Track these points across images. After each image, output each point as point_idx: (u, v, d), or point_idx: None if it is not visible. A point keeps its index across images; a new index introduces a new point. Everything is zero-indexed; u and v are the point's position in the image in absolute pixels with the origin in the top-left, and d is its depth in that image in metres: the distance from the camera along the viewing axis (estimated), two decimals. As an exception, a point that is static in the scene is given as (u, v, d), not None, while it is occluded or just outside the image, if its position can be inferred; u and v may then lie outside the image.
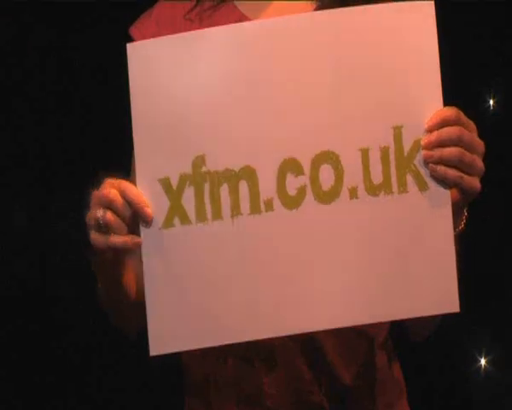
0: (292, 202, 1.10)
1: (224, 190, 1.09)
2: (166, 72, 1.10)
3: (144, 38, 1.29)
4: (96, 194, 1.16)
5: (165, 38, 1.13)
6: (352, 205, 1.10)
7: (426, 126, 1.09)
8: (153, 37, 1.21)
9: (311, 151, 1.09)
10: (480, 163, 1.10)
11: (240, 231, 1.09)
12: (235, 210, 1.09)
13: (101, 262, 1.22)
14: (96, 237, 1.15)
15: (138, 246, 1.14)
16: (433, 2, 1.12)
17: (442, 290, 1.11)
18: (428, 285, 1.11)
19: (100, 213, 1.13)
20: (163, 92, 1.10)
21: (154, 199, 1.10)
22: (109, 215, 1.13)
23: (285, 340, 1.25)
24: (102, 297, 1.31)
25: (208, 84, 1.09)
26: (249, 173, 1.09)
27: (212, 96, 1.09)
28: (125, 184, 1.13)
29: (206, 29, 1.13)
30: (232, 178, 1.09)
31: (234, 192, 1.09)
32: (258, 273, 1.10)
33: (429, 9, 1.11)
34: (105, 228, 1.13)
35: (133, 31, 1.38)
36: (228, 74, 1.09)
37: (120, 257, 1.20)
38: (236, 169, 1.09)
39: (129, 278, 1.25)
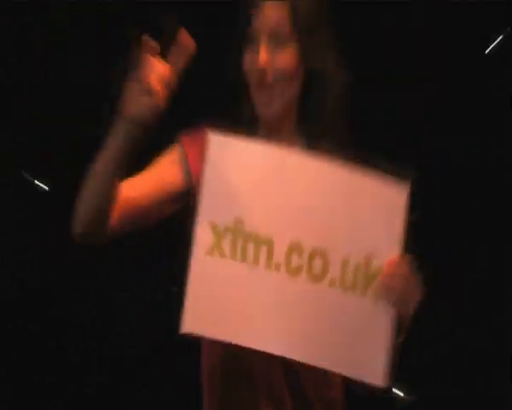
0: (292, 272, 1.59)
1: (250, 246, 1.59)
2: (233, 163, 1.61)
3: (189, 150, 1.73)
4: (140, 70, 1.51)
5: (240, 141, 1.62)
6: (328, 290, 1.59)
7: (386, 265, 1.58)
8: (195, 153, 1.69)
9: (311, 245, 1.59)
10: (417, 294, 1.57)
11: (256, 275, 1.59)
12: (255, 262, 1.59)
13: (122, 130, 1.54)
14: (137, 99, 1.51)
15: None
16: (407, 190, 1.58)
17: (370, 365, 1.58)
18: (360, 357, 1.59)
19: (147, 78, 1.50)
20: (229, 175, 1.62)
21: (205, 234, 1.58)
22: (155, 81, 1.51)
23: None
24: (94, 175, 1.57)
25: (256, 181, 1.61)
26: (269, 242, 1.59)
27: (256, 190, 1.61)
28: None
29: (263, 147, 1.63)
30: (258, 240, 1.60)
31: (256, 250, 1.59)
32: (261, 303, 1.60)
33: (404, 192, 1.59)
34: (149, 91, 1.50)
35: (184, 138, 1.75)
36: (267, 180, 1.61)
37: (141, 129, 1.54)
38: (262, 236, 1.60)
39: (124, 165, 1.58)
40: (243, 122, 1.77)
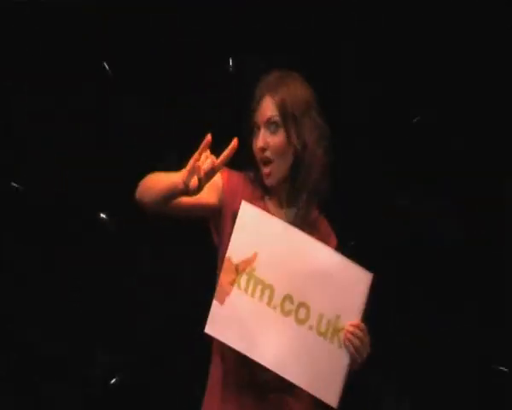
0: (284, 313, 2.21)
1: (259, 288, 2.22)
2: (257, 231, 2.23)
3: (225, 181, 2.35)
4: (193, 158, 2.04)
5: (266, 217, 2.25)
6: (307, 332, 2.22)
7: (349, 325, 2.21)
8: (229, 184, 2.36)
9: (299, 298, 2.22)
10: (367, 349, 2.22)
11: (260, 307, 2.22)
12: (260, 298, 2.21)
13: (178, 191, 2.09)
14: (187, 175, 2.04)
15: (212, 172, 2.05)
16: (371, 276, 2.21)
17: (328, 389, 2.24)
18: (324, 382, 2.24)
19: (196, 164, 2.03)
20: (251, 235, 2.23)
21: (229, 269, 2.23)
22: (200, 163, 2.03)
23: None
24: (155, 186, 2.20)
25: (269, 245, 2.23)
26: (272, 289, 2.21)
27: (268, 250, 2.23)
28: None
29: (279, 223, 2.25)
30: (264, 284, 2.22)
31: (262, 292, 2.21)
32: (261, 329, 2.22)
33: (367, 279, 2.22)
34: (195, 170, 2.03)
35: (225, 171, 2.34)
36: (277, 247, 2.24)
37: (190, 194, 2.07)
38: (267, 282, 2.22)
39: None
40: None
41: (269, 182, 2.35)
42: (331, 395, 2.22)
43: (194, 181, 2.02)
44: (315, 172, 2.33)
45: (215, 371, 2.36)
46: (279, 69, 2.39)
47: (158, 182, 2.17)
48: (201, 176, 2.01)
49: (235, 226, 2.22)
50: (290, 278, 2.22)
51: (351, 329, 2.20)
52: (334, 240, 2.44)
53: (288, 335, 2.22)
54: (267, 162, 2.34)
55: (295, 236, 2.23)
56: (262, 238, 2.22)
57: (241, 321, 2.22)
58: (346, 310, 2.21)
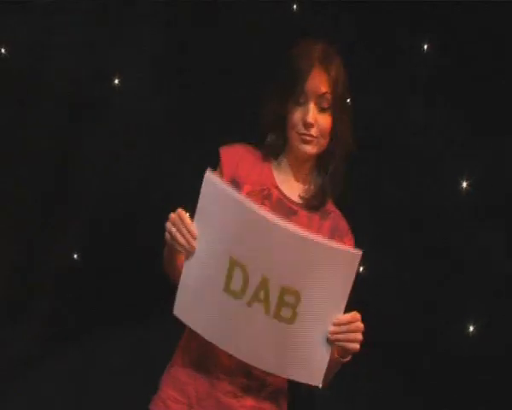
0: (257, 299, 2.00)
1: (238, 272, 1.99)
2: (222, 203, 1.97)
3: (227, 160, 2.26)
4: (172, 215, 2.03)
5: (229, 194, 1.97)
6: (282, 323, 2.02)
7: (332, 325, 2.03)
8: (234, 163, 2.25)
9: (275, 282, 1.98)
10: (358, 338, 2.05)
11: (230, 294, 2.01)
12: (231, 280, 2.00)
13: (168, 248, 2.12)
14: (169, 240, 2.05)
15: (189, 252, 2.02)
16: (360, 254, 1.95)
17: (312, 373, 2.06)
18: (305, 367, 2.07)
19: (173, 230, 2.03)
20: (219, 212, 1.98)
21: (198, 245, 2.03)
22: (174, 233, 2.03)
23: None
24: (165, 263, 2.22)
25: (241, 223, 1.96)
26: (244, 269, 1.98)
27: (240, 231, 1.98)
28: (185, 219, 2.03)
29: (243, 206, 1.97)
30: (241, 265, 1.98)
31: (230, 272, 1.99)
32: (231, 315, 2.04)
33: (355, 257, 1.95)
34: (172, 239, 2.03)
35: (222, 151, 2.27)
36: (245, 227, 1.96)
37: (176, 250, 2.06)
38: (244, 264, 1.99)
39: (179, 259, 2.11)
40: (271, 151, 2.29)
41: (305, 150, 2.22)
42: (314, 376, 2.07)
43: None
44: (341, 160, 2.26)
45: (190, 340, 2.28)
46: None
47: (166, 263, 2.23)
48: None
49: (199, 199, 2.00)
50: (264, 258, 1.98)
51: (335, 329, 2.03)
52: (350, 239, 2.32)
53: (261, 323, 2.03)
54: (309, 141, 2.21)
55: (265, 220, 1.95)
56: (228, 214, 1.98)
57: (209, 306, 2.05)
58: (330, 295, 1.99)
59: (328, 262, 1.95)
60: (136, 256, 3.07)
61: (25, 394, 3.20)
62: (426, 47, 3.11)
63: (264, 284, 1.98)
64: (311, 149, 2.21)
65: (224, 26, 3.12)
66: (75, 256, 3.27)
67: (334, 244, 1.97)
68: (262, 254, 1.95)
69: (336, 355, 2.12)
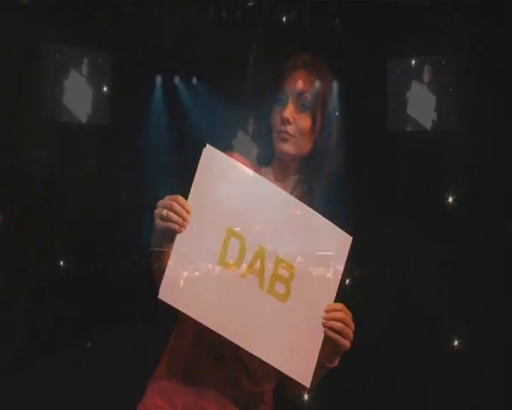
0: (255, 272, 1.99)
1: (235, 243, 1.97)
2: (222, 175, 1.98)
3: None
4: (162, 201, 2.00)
5: (231, 161, 2.00)
6: (280, 304, 2.01)
7: (325, 312, 2.03)
8: None
9: (274, 254, 2.01)
10: (350, 334, 2.04)
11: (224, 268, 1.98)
12: (225, 253, 1.99)
13: (157, 236, 2.03)
14: (159, 223, 1.98)
15: (181, 230, 1.98)
16: (350, 239, 2.02)
17: (302, 370, 2.02)
18: (296, 362, 2.03)
19: (164, 211, 1.98)
20: (219, 183, 1.98)
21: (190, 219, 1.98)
22: (166, 213, 1.98)
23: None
24: (152, 259, 2.09)
25: (241, 193, 2.00)
26: (241, 238, 1.98)
27: (239, 203, 2.00)
28: (178, 197, 1.99)
29: (244, 172, 2.01)
30: (238, 235, 1.97)
31: (226, 243, 1.97)
32: (224, 292, 1.99)
33: (347, 240, 2.03)
34: (166, 218, 1.97)
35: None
36: (249, 194, 2.00)
37: (168, 236, 2.00)
38: (242, 234, 1.98)
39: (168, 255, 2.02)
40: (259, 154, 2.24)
41: (283, 149, 2.20)
42: (303, 373, 2.03)
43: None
44: (328, 163, 2.23)
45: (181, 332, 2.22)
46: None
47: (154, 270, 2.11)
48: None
49: (197, 172, 1.97)
50: (262, 227, 2.00)
51: (328, 315, 2.03)
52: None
53: (254, 299, 2.00)
54: (286, 139, 2.19)
55: (267, 187, 2.01)
56: (228, 186, 1.99)
57: (200, 283, 1.99)
58: (322, 277, 2.02)
59: (322, 237, 2.01)
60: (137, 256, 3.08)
61: (24, 394, 3.21)
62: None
63: (260, 253, 1.98)
64: (288, 147, 2.19)
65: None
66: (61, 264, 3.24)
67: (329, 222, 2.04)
68: (261, 222, 1.98)
69: (323, 360, 2.08)
